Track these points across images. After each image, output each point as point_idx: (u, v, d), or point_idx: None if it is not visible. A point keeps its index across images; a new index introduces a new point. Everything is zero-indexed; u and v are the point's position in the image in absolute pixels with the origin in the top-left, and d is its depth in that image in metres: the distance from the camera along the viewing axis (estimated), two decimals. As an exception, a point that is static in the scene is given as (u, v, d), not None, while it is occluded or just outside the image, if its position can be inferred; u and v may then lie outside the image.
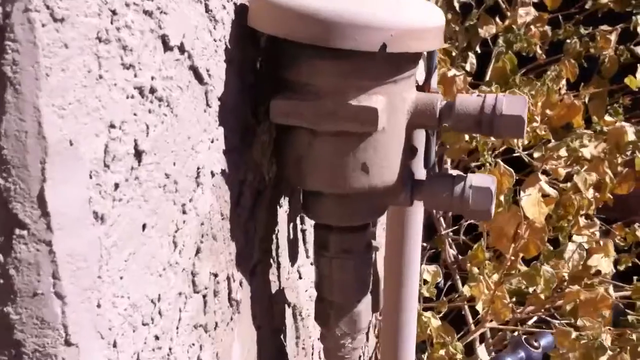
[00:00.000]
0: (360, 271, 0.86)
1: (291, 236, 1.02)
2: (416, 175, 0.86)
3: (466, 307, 1.84)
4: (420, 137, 0.87)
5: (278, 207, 0.95)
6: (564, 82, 2.06)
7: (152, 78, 0.59)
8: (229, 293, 0.80)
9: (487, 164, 1.66)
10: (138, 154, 0.58)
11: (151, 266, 0.62)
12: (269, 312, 0.96)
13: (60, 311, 0.50)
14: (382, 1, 0.75)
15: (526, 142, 1.97)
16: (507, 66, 2.04)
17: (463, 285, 1.82)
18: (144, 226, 0.60)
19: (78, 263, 0.51)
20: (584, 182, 1.74)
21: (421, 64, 0.90)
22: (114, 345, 0.57)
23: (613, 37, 2.28)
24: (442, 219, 2.03)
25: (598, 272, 1.81)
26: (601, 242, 1.55)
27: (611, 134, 1.93)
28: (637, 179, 2.11)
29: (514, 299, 1.79)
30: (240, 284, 0.82)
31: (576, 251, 1.52)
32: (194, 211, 0.69)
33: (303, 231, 1.08)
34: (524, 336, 1.72)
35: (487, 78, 2.11)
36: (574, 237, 1.60)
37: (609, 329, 1.62)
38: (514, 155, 1.92)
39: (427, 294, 1.63)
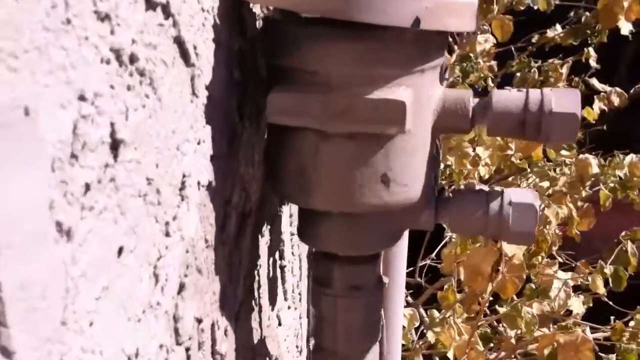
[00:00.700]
0: (370, 313, 0.69)
1: (271, 274, 0.85)
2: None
3: (436, 358, 1.69)
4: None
5: (260, 236, 0.78)
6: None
7: (133, 42, 0.42)
8: (213, 344, 0.62)
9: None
10: (115, 145, 0.40)
11: (128, 307, 0.44)
12: (250, 367, 0.78)
13: (4, 377, 0.32)
14: None
15: (486, 174, 1.87)
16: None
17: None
18: (120, 250, 0.42)
19: (34, 300, 0.33)
20: (555, 215, 1.63)
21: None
22: None
23: (564, 70, 2.24)
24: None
25: (568, 313, 1.71)
26: (589, 279, 1.43)
27: (576, 166, 1.84)
28: (598, 214, 2.03)
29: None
30: (225, 332, 0.65)
31: (562, 289, 1.40)
32: (178, 233, 0.51)
33: (282, 268, 0.91)
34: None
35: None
36: (559, 274, 1.47)
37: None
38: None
39: (403, 342, 1.46)
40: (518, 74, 2.27)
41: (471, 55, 1.93)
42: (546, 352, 1.54)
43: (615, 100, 2.23)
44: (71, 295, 0.36)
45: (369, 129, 0.58)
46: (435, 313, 1.83)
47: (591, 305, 1.97)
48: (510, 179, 1.91)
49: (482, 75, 1.96)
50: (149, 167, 0.46)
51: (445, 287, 1.58)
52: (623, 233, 1.92)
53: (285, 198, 0.69)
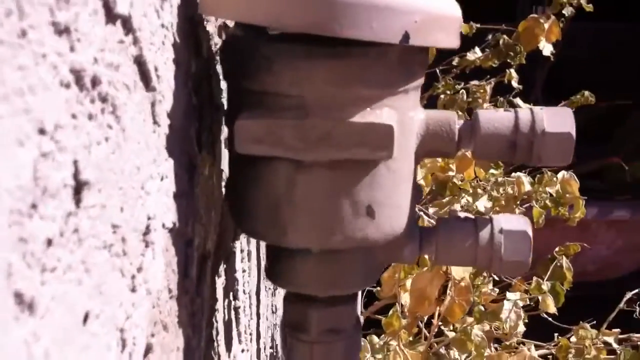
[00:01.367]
0: (349, 358, 0.63)
1: (226, 317, 0.78)
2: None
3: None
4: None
5: (217, 277, 0.70)
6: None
7: (95, 61, 0.35)
8: (178, 409, 0.54)
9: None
10: (78, 188, 0.33)
11: (96, 385, 0.36)
12: None
13: None
14: None
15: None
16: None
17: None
18: (86, 316, 0.34)
19: (-7, 401, 0.25)
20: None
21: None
22: None
23: (488, 90, 2.25)
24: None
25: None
26: (540, 298, 1.41)
27: (516, 184, 1.84)
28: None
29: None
30: (190, 393, 0.57)
31: (512, 310, 1.37)
32: (144, 287, 0.44)
33: (236, 309, 0.83)
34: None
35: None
36: (508, 295, 1.45)
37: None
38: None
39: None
40: (442, 96, 2.27)
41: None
42: (494, 374, 1.51)
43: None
44: (36, 385, 0.28)
45: (354, 154, 0.52)
46: (375, 338, 1.77)
47: (526, 321, 1.96)
48: (444, 199, 1.89)
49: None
50: (114, 212, 0.38)
51: (390, 313, 1.53)
52: (557, 249, 1.92)
53: (254, 236, 0.61)
